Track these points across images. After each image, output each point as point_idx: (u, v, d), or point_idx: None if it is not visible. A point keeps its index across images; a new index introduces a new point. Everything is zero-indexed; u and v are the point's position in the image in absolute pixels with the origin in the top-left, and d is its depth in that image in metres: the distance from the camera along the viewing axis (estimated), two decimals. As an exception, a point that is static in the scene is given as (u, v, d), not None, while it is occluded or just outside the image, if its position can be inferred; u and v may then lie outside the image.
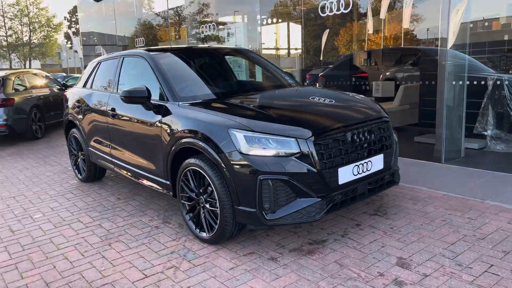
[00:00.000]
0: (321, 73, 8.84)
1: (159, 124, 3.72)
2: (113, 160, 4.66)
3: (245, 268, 3.03)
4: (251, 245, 3.39)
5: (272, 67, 4.89)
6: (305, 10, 8.83)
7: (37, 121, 9.45)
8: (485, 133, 6.12)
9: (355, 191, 3.32)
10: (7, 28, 49.05)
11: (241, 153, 3.02)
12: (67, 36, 51.21)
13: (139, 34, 12.96)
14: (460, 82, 5.43)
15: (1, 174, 6.36)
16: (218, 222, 3.26)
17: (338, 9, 6.67)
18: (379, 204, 4.09)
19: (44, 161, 7.14)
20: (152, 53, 4.28)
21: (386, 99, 7.80)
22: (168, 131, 3.61)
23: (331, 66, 9.19)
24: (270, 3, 9.29)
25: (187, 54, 4.59)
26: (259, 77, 6.18)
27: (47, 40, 51.91)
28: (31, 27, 50.65)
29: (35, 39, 51.66)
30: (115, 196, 4.91)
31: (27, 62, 51.05)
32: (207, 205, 3.36)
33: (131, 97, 3.77)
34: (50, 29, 52.69)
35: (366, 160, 3.33)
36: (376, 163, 3.43)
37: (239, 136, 3.05)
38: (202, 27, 10.04)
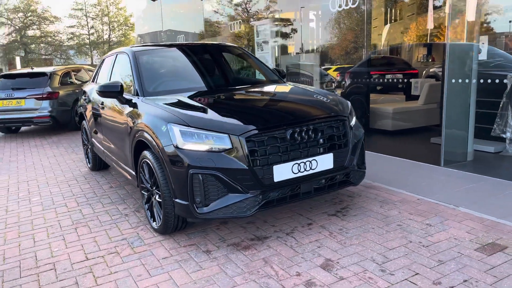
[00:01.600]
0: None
1: (127, 117, 3.93)
2: (104, 150, 4.98)
3: (177, 258, 3.14)
4: (197, 237, 3.49)
5: (258, 64, 4.92)
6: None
7: (80, 113, 10.24)
8: (504, 135, 5.65)
9: (296, 189, 3.29)
10: (89, 27, 52.88)
11: (176, 147, 3.14)
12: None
13: (208, 32, 12.64)
14: (467, 80, 5.06)
15: (31, 160, 7.02)
16: (161, 213, 3.41)
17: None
18: (345, 205, 3.99)
19: (72, 150, 7.75)
20: (135, 50, 4.51)
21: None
22: (131, 124, 3.81)
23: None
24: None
25: (171, 52, 4.77)
26: (244, 74, 6.12)
27: (124, 38, 55.28)
28: (110, 26, 54.19)
29: (114, 37, 55.23)
30: (110, 184, 5.24)
31: (107, 58, 54.68)
32: (156, 196, 3.52)
33: (104, 92, 4.02)
34: (127, 27, 56.03)
35: (310, 159, 3.29)
36: (324, 162, 3.36)
37: (176, 131, 3.16)
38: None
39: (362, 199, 4.10)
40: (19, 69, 13.35)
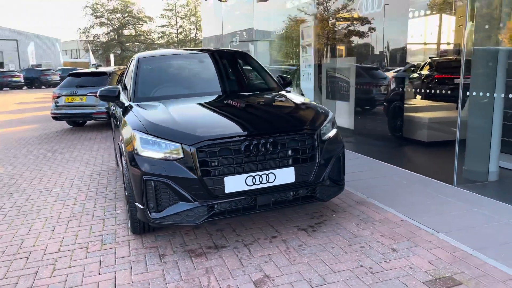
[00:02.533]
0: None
1: (118, 121, 4.19)
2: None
3: (132, 259, 3.30)
4: (162, 240, 3.62)
5: (260, 71, 4.91)
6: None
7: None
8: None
9: (251, 202, 3.27)
10: (178, 26, 55.90)
11: (136, 153, 3.30)
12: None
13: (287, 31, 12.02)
14: (488, 93, 4.58)
15: (77, 153, 7.70)
16: (129, 215, 3.60)
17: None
18: (322, 220, 3.86)
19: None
20: (141, 55, 4.77)
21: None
22: (120, 127, 4.05)
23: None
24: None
25: (175, 58, 4.96)
26: (241, 80, 5.77)
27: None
28: (197, 25, 56.74)
29: (200, 35, 57.80)
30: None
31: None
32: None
33: (102, 96, 4.32)
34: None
35: (267, 172, 3.25)
36: (283, 176, 3.30)
37: (137, 138, 3.32)
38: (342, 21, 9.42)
39: (344, 216, 3.94)
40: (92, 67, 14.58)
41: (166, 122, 3.41)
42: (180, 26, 56.09)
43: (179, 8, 55.21)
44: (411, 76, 7.96)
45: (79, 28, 58.43)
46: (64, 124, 11.44)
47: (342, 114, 7.81)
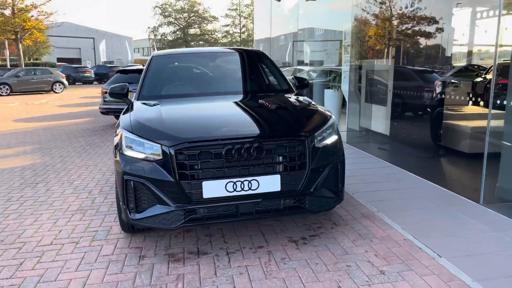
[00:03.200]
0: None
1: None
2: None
3: (113, 258, 3.28)
4: (150, 240, 3.57)
5: (273, 71, 4.71)
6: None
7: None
8: None
9: (232, 209, 3.11)
10: (241, 25, 56.55)
11: (120, 152, 3.26)
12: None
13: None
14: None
15: (111, 147, 7.94)
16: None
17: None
18: (318, 232, 3.61)
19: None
20: (156, 54, 4.77)
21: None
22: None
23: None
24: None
25: (188, 57, 4.89)
26: (253, 81, 5.41)
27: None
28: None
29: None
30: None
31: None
32: (123, 197, 3.71)
33: (111, 93, 4.36)
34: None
35: (249, 178, 3.07)
36: (268, 183, 3.11)
37: (123, 136, 3.29)
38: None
39: (343, 229, 3.65)
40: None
41: (152, 122, 3.35)
42: (244, 26, 56.67)
43: (243, 7, 55.85)
44: (462, 79, 7.32)
45: (148, 27, 60.97)
46: (112, 119, 11.93)
47: (378, 119, 7.37)
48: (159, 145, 3.08)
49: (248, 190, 3.08)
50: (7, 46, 36.94)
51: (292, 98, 4.06)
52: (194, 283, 2.86)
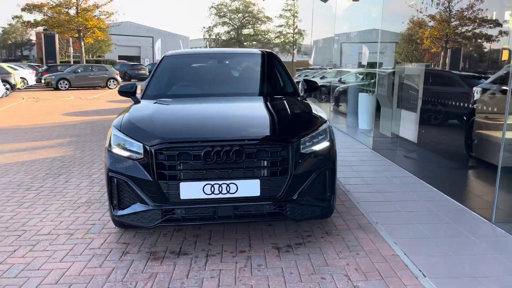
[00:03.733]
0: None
1: None
2: None
3: (98, 252, 3.36)
4: (140, 237, 3.63)
5: (282, 74, 4.62)
6: None
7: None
8: None
9: (210, 212, 3.09)
10: (295, 26, 56.27)
11: (108, 149, 3.35)
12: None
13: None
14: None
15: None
16: (109, 209, 3.68)
17: None
18: (306, 241, 3.49)
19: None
20: (168, 53, 4.85)
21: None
22: None
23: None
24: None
25: (199, 57, 4.92)
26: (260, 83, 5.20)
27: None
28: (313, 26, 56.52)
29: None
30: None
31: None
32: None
33: (120, 92, 4.48)
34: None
35: (228, 182, 3.04)
36: (247, 188, 3.06)
37: (112, 134, 3.37)
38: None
39: (332, 239, 3.51)
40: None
41: (140, 122, 3.40)
42: (296, 27, 56.33)
43: (298, 8, 55.49)
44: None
45: (204, 27, 62.34)
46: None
47: (407, 125, 7.03)
48: (142, 144, 3.12)
49: (226, 193, 3.05)
50: (71, 43, 39.31)
51: (290, 101, 3.96)
52: (163, 283, 2.86)
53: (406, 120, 7.12)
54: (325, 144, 3.35)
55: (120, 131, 3.31)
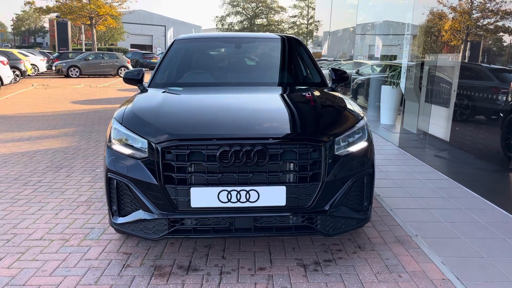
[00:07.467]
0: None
1: None
2: None
3: (94, 264, 2.90)
4: (144, 247, 3.15)
5: (308, 63, 4.07)
6: None
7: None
8: None
9: (226, 223, 2.60)
10: (309, 17, 55.27)
11: (108, 146, 2.87)
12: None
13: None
14: None
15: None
16: (110, 213, 3.20)
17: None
18: (337, 257, 2.98)
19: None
20: (180, 37, 4.33)
21: None
22: None
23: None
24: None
25: (212, 42, 4.40)
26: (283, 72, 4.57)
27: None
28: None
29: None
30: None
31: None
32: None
33: (125, 78, 3.99)
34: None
35: (247, 188, 2.53)
36: (270, 195, 2.55)
37: (112, 128, 2.89)
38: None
39: (367, 256, 3.00)
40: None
41: (146, 114, 2.91)
42: (311, 17, 55.42)
43: (312, -2, 54.50)
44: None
45: (216, 16, 61.57)
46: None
47: (437, 122, 6.45)
48: (146, 141, 2.63)
49: (245, 202, 2.55)
50: (83, 31, 38.99)
51: (320, 93, 3.42)
52: (168, 308, 2.39)
53: (437, 116, 6.54)
54: (363, 145, 2.82)
55: (121, 124, 2.83)
